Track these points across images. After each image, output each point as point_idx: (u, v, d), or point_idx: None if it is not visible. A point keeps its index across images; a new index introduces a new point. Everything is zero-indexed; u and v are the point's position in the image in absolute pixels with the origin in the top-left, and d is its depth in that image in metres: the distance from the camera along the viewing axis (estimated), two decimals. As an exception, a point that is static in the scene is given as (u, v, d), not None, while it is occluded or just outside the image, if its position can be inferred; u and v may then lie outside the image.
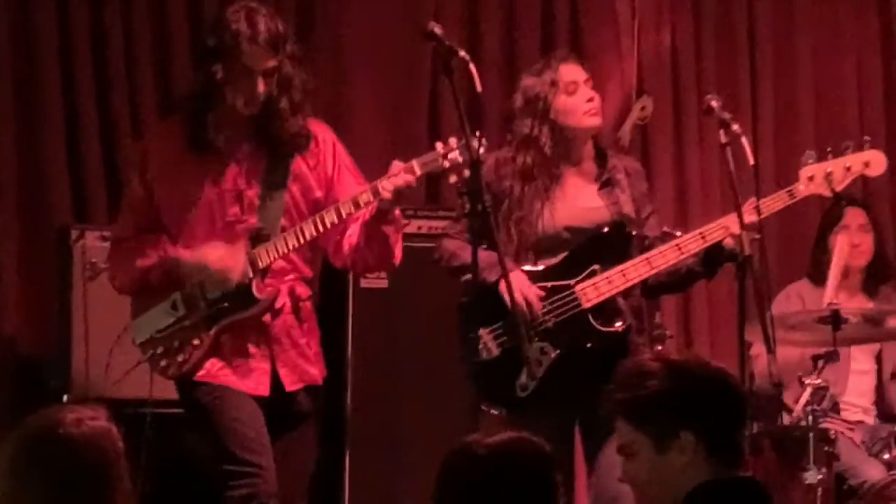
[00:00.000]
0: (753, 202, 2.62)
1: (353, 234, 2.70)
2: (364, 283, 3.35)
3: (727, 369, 1.85)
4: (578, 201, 2.85)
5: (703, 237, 2.73)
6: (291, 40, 2.67)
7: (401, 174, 2.54)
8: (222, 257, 2.59)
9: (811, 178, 2.69)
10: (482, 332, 2.75)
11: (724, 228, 2.69)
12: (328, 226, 2.58)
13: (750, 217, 2.60)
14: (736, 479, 1.54)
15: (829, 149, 2.76)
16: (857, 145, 2.77)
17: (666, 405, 1.56)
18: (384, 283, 3.37)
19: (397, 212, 2.68)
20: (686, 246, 2.75)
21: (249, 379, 2.62)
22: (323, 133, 2.72)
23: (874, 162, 2.76)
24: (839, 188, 2.71)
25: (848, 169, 2.71)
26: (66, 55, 3.45)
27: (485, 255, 2.56)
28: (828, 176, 2.70)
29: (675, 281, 2.94)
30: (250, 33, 2.55)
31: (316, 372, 2.68)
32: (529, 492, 1.53)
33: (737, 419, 1.61)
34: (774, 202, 2.72)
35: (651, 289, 2.93)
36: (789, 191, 2.74)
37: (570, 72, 2.84)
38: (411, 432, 3.23)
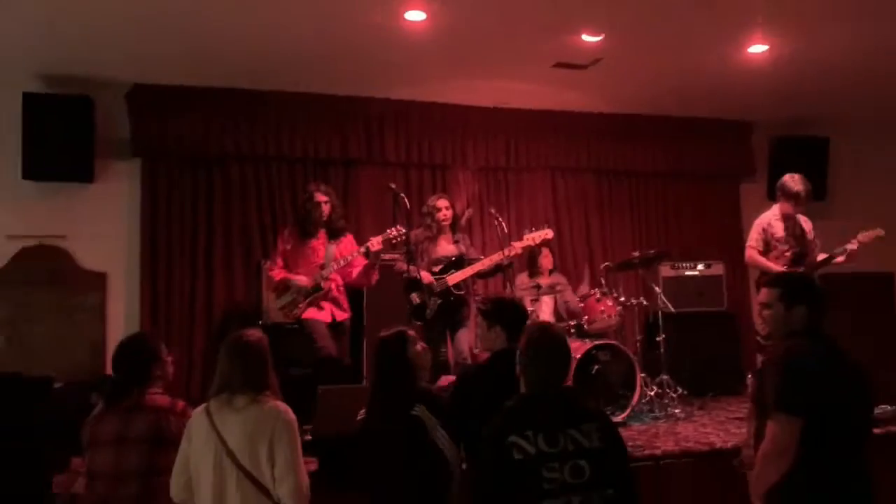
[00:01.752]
0: (512, 247, 5.63)
1: (354, 272, 5.61)
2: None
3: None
4: (446, 248, 5.83)
5: (491, 259, 5.73)
6: (334, 195, 5.78)
7: (375, 244, 5.41)
8: (304, 279, 5.56)
9: (523, 240, 5.83)
10: (413, 294, 5.62)
11: (500, 255, 5.68)
12: (345, 263, 5.57)
13: (507, 255, 5.61)
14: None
15: (532, 228, 5.97)
16: (538, 226, 5.94)
17: (490, 312, 3.58)
18: (377, 276, 5.99)
19: (376, 268, 5.58)
20: (484, 264, 5.74)
21: (321, 314, 5.55)
22: (349, 236, 5.74)
23: (546, 234, 5.87)
24: (534, 243, 5.87)
25: (534, 238, 5.83)
26: (245, 218, 6.70)
27: (411, 268, 5.44)
28: (531, 239, 5.82)
29: (485, 275, 6.04)
30: (317, 192, 5.68)
31: (347, 314, 5.72)
32: (392, 358, 3.56)
33: (520, 319, 3.50)
34: (516, 248, 5.72)
35: (479, 275, 5.94)
36: (522, 243, 5.79)
37: (442, 203, 5.85)
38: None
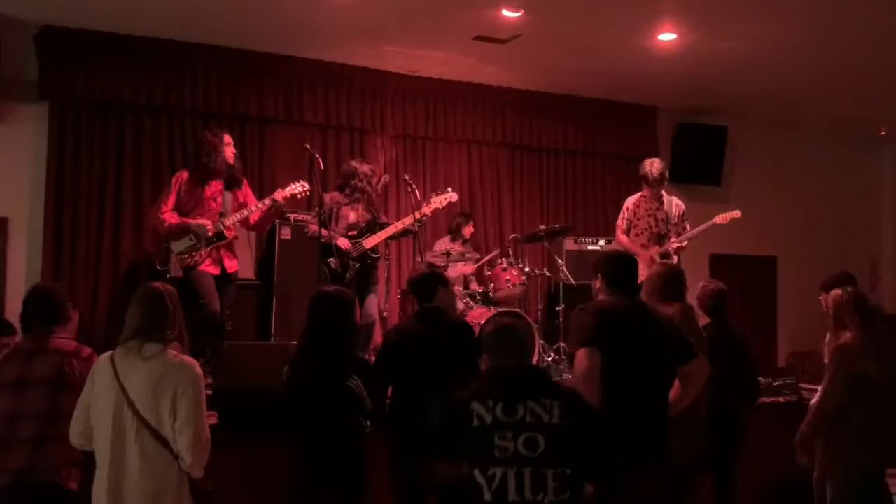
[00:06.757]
0: (421, 210, 5.97)
1: (253, 218, 5.62)
2: (282, 236, 6.47)
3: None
4: (361, 213, 5.98)
5: (402, 223, 5.98)
6: (234, 143, 5.73)
7: (279, 195, 5.61)
8: (207, 223, 5.50)
9: (430, 204, 6.03)
10: (331, 260, 5.71)
11: (410, 218, 5.92)
12: (248, 213, 5.62)
13: (417, 216, 6.02)
14: None
15: (438, 191, 6.19)
16: (443, 191, 6.12)
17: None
18: (289, 236, 6.52)
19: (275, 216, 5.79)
20: (396, 227, 5.97)
21: (210, 267, 5.50)
22: (246, 185, 5.83)
23: (451, 196, 6.10)
24: (441, 206, 6.08)
25: (440, 201, 6.07)
26: (157, 170, 6.58)
27: (325, 232, 5.67)
28: (438, 202, 6.07)
29: (395, 237, 6.30)
30: (225, 134, 5.69)
31: (237, 266, 5.79)
32: (338, 312, 3.56)
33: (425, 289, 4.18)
34: (427, 209, 5.99)
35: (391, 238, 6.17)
36: (430, 207, 6.12)
37: (369, 169, 6.00)
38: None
